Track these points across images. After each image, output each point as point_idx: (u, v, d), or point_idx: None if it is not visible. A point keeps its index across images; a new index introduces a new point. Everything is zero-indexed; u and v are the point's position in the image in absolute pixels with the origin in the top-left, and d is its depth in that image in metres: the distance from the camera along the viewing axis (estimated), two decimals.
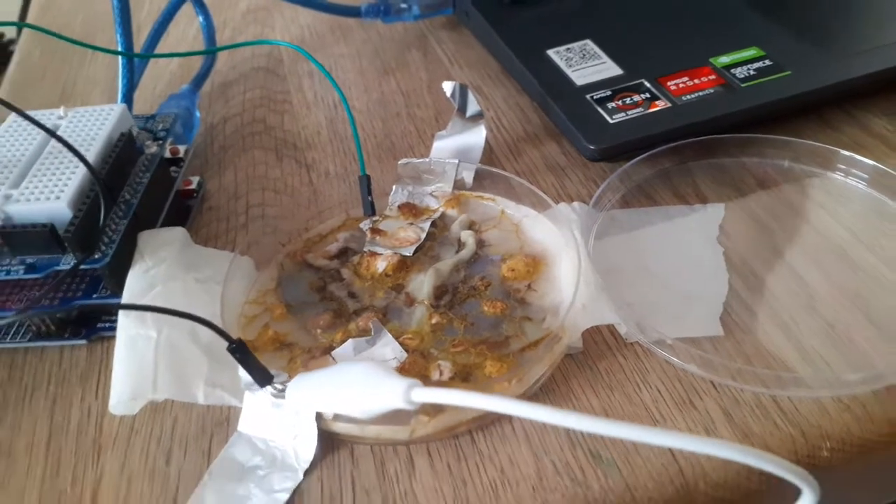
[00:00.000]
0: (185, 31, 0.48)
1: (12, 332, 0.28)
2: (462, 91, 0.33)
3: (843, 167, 0.31)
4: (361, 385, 0.21)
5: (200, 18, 0.43)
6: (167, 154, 0.33)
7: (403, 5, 0.43)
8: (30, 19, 0.57)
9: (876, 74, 0.32)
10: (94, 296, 0.27)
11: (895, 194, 0.29)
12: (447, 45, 0.44)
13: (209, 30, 0.43)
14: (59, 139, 0.26)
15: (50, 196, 0.26)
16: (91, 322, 0.28)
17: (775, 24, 0.35)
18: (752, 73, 0.32)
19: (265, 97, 0.42)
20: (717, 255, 0.28)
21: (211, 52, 0.40)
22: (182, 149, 0.33)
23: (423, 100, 0.39)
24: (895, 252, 0.27)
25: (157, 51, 0.42)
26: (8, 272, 0.26)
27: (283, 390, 0.23)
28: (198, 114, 0.39)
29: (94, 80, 0.46)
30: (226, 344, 0.22)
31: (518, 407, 0.18)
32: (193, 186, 0.34)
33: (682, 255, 0.29)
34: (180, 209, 0.33)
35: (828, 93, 0.32)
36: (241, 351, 0.22)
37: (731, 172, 0.32)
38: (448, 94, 0.33)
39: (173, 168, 0.33)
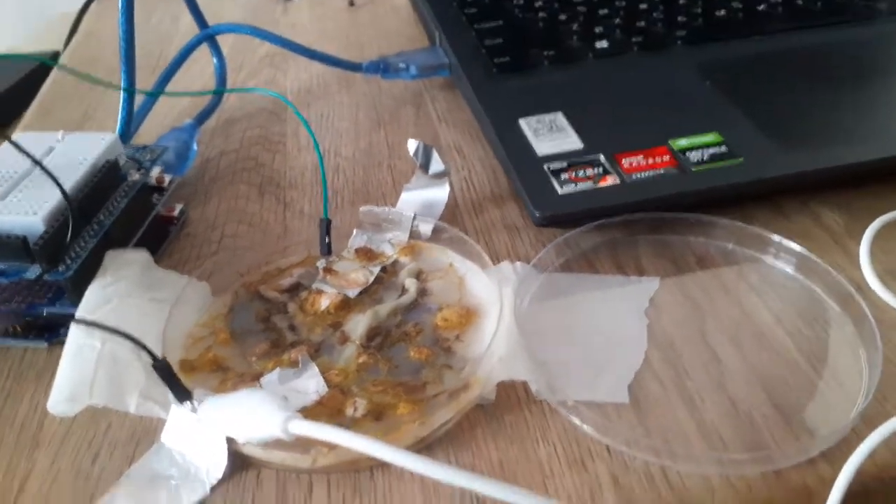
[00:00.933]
0: (205, 68, 0.52)
1: None
2: (426, 150, 0.35)
3: (783, 255, 0.32)
4: (250, 412, 0.22)
5: (215, 60, 0.47)
6: (153, 182, 0.36)
7: (402, 65, 0.46)
8: (76, 42, 0.61)
9: (825, 171, 0.34)
10: (57, 304, 0.30)
11: (826, 285, 0.30)
12: (440, 103, 0.46)
13: (221, 70, 0.47)
14: (40, 165, 0.28)
15: (28, 211, 0.29)
16: (55, 328, 0.30)
17: (741, 112, 0.37)
18: (705, 157, 0.34)
19: (263, 136, 0.45)
20: (641, 327, 0.29)
21: (202, 94, 0.44)
22: (168, 178, 0.36)
23: (405, 153, 0.42)
24: (811, 340, 0.28)
25: (174, 85, 0.45)
26: None
27: (196, 409, 0.24)
28: (195, 147, 0.42)
29: (115, 103, 0.49)
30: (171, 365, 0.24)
31: (381, 450, 0.20)
32: (175, 213, 0.37)
33: (607, 322, 0.30)
34: (158, 233, 0.35)
35: (775, 184, 0.34)
36: (162, 368, 0.24)
37: (674, 249, 0.33)
38: (411, 152, 0.35)
39: (156, 195, 0.35)
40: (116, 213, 0.32)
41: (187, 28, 0.59)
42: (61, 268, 0.29)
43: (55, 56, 0.43)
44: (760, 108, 0.37)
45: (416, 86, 0.49)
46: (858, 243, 0.32)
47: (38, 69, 0.63)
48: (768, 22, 0.46)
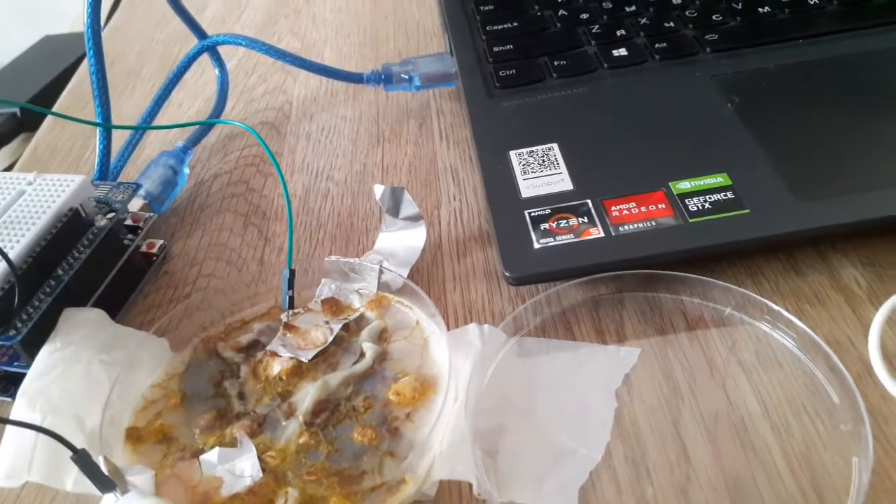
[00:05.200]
0: (208, 73, 0.50)
1: None
2: (395, 194, 0.32)
3: (783, 328, 0.28)
4: None
5: (217, 71, 0.45)
6: (129, 221, 0.35)
7: (405, 77, 0.43)
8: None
9: (848, 226, 0.29)
10: (15, 364, 0.30)
11: (827, 369, 0.26)
12: (445, 117, 0.43)
13: (223, 82, 0.45)
14: None
15: None
16: (20, 382, 0.31)
17: (759, 147, 0.33)
18: (706, 206, 0.30)
19: (259, 155, 0.43)
20: (609, 411, 0.27)
21: (176, 126, 0.42)
22: (144, 216, 0.35)
23: (399, 178, 0.39)
24: (799, 438, 0.25)
25: (179, 91, 0.45)
26: None
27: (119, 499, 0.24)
28: (186, 171, 0.41)
29: (127, 115, 0.49)
30: (118, 434, 0.24)
31: None
32: (155, 250, 0.36)
33: (573, 404, 0.27)
34: (134, 273, 0.35)
35: (785, 240, 0.29)
36: (82, 461, 0.24)
37: (664, 311, 0.30)
38: (377, 197, 0.33)
39: (130, 236, 0.35)
40: (77, 265, 0.31)
41: (211, 17, 0.58)
42: (11, 332, 0.28)
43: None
44: (784, 143, 0.33)
45: (425, 95, 0.46)
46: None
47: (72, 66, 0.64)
48: (819, 22, 0.40)
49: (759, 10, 0.41)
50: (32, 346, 0.29)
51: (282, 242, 0.37)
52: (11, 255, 0.29)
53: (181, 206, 0.40)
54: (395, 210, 0.33)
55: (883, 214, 0.29)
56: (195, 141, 0.42)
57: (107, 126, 0.36)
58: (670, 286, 0.30)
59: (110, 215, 0.33)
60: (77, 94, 0.53)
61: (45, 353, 0.29)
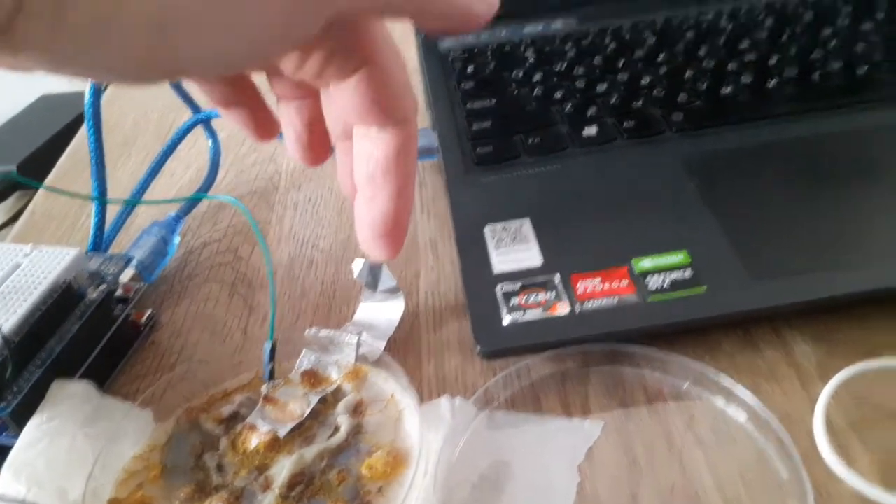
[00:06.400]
0: (201, 143, 0.53)
1: None
2: (373, 270, 0.34)
3: (737, 404, 0.29)
4: None
5: (210, 142, 0.48)
6: (119, 293, 0.36)
7: None
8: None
9: (800, 305, 0.31)
10: (4, 435, 0.31)
11: (778, 445, 0.28)
12: (428, 189, 0.45)
13: (215, 153, 0.48)
14: None
15: None
16: (8, 453, 0.32)
17: (718, 225, 0.34)
18: (665, 285, 0.32)
19: (248, 223, 0.45)
20: (572, 485, 0.28)
21: (170, 202, 0.44)
22: (134, 287, 0.37)
23: None
24: None
25: (173, 161, 0.46)
26: None
27: None
28: (177, 240, 0.42)
29: (121, 183, 0.51)
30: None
31: None
32: (143, 319, 0.38)
33: (537, 477, 0.28)
34: (123, 342, 0.36)
35: (740, 318, 0.31)
36: None
37: (626, 384, 0.31)
38: (355, 274, 0.34)
39: (120, 305, 0.36)
40: (68, 338, 0.32)
41: None
42: (2, 404, 0.30)
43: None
44: (741, 222, 0.34)
45: None
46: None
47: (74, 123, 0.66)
48: (777, 103, 0.42)
49: (722, 90, 0.44)
50: (21, 417, 0.30)
51: (266, 312, 0.38)
52: (6, 328, 0.31)
53: (171, 274, 0.42)
54: (373, 284, 0.34)
55: (831, 294, 0.31)
56: (186, 210, 0.44)
57: (102, 200, 0.38)
58: (633, 360, 0.32)
59: (102, 287, 0.35)
60: (75, 160, 0.55)
61: (32, 426, 0.30)
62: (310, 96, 0.32)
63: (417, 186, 0.46)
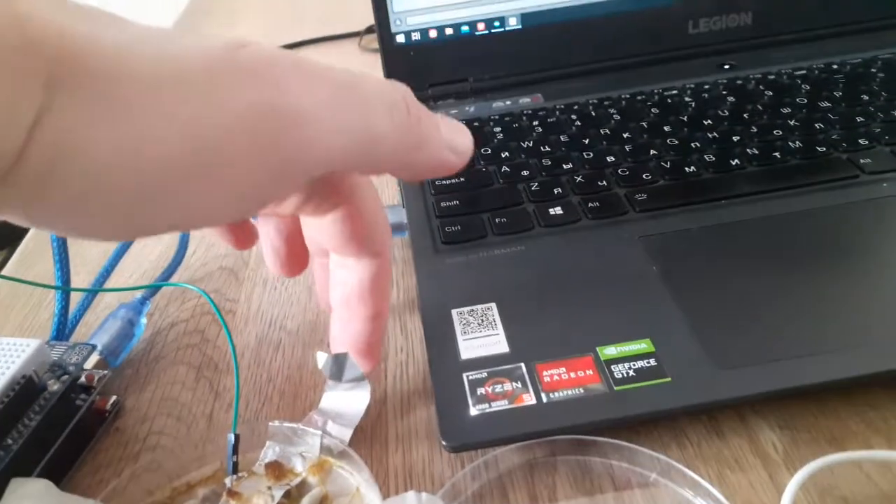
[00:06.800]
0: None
1: None
2: (337, 361, 0.34)
3: (705, 497, 0.29)
4: None
5: None
6: (83, 381, 0.36)
7: None
8: None
9: (765, 395, 0.31)
10: None
11: None
12: (398, 265, 0.46)
13: (184, 238, 0.47)
14: None
15: None
16: None
17: (680, 312, 0.35)
18: (630, 373, 0.32)
19: (216, 303, 0.45)
20: None
21: (132, 289, 0.43)
22: (97, 375, 0.36)
23: None
24: None
25: (136, 245, 0.46)
26: None
27: None
28: (143, 322, 0.42)
29: (87, 260, 0.51)
30: None
31: None
32: (108, 406, 0.37)
33: None
34: (84, 432, 0.35)
35: (705, 408, 0.31)
36: None
37: (594, 475, 0.31)
38: (320, 366, 0.34)
39: (83, 395, 0.35)
40: (27, 433, 0.32)
41: None
42: None
43: None
44: (704, 309, 0.35)
45: None
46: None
47: None
48: (740, 183, 0.43)
49: (686, 169, 0.45)
50: None
51: (232, 397, 0.38)
52: None
53: (137, 357, 0.41)
54: (338, 375, 0.34)
55: (796, 384, 0.31)
56: (153, 291, 0.44)
57: (64, 289, 0.38)
58: (600, 451, 0.32)
59: (64, 378, 0.34)
60: (39, 238, 0.55)
61: None
62: (288, 216, 0.33)
63: None
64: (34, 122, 0.18)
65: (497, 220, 0.43)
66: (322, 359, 0.34)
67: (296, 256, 0.35)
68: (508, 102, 0.56)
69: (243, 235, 0.35)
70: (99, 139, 0.19)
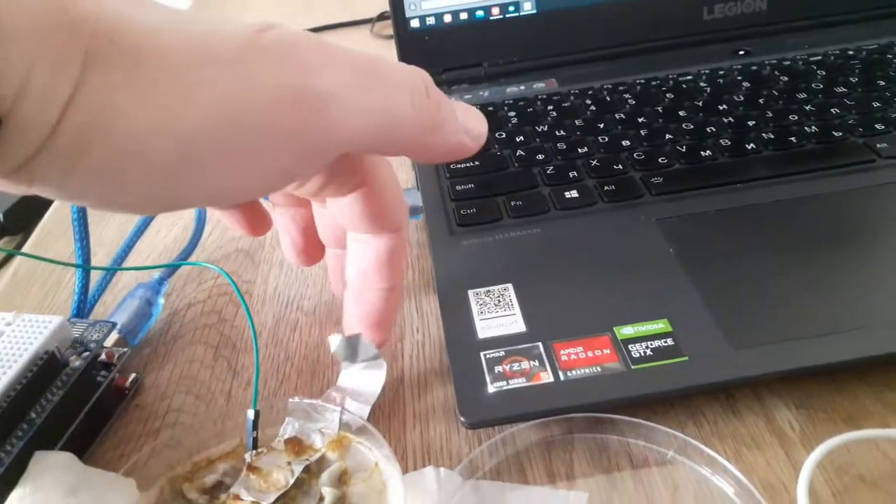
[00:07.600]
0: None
1: None
2: (351, 343, 0.34)
3: (721, 475, 0.30)
4: None
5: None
6: (104, 356, 0.36)
7: None
8: None
9: (782, 374, 0.31)
10: None
11: None
12: (412, 248, 0.46)
13: (200, 213, 0.48)
14: None
15: None
16: None
17: (697, 292, 0.35)
18: (648, 353, 0.32)
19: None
20: None
21: (151, 268, 0.44)
22: (117, 353, 0.37)
23: None
24: None
25: (154, 225, 0.47)
26: None
27: None
28: (161, 302, 0.42)
29: (105, 242, 0.51)
30: None
31: None
32: (127, 384, 0.37)
33: None
34: (105, 409, 0.36)
35: (722, 387, 0.32)
36: None
37: (611, 453, 0.32)
38: (332, 349, 0.34)
39: (103, 372, 0.36)
40: (50, 407, 0.32)
41: None
42: None
43: None
44: (721, 289, 0.35)
45: None
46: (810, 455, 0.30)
47: None
48: (755, 167, 0.43)
49: (702, 153, 0.45)
50: (2, 491, 0.30)
51: (250, 376, 0.38)
52: None
53: (155, 336, 0.41)
54: (352, 357, 0.34)
55: (812, 363, 0.31)
56: (171, 272, 0.44)
57: (85, 268, 0.38)
58: (617, 429, 0.32)
59: (85, 354, 0.35)
60: (59, 217, 0.55)
61: (14, 499, 0.29)
62: (305, 205, 0.34)
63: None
64: (70, 96, 0.19)
65: (512, 203, 0.43)
66: (335, 341, 0.34)
67: (312, 246, 0.36)
68: (522, 87, 0.56)
69: (257, 221, 0.35)
70: (131, 112, 0.20)
